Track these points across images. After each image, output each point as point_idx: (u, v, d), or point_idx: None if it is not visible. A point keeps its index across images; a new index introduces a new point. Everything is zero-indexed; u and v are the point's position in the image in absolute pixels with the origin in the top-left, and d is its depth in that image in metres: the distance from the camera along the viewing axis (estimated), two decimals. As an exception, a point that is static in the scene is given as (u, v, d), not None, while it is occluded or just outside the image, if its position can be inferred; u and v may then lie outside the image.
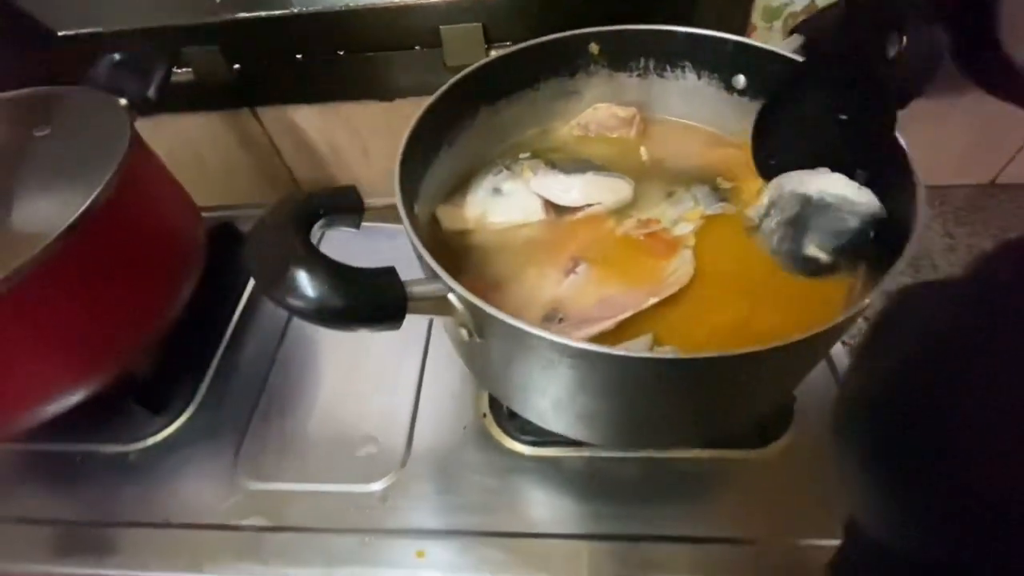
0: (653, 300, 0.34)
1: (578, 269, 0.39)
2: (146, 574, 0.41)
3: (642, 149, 0.46)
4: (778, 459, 0.42)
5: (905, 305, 0.18)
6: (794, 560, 0.39)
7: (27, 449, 0.48)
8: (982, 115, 0.60)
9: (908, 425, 0.15)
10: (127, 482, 0.45)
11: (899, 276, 0.26)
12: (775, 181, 0.38)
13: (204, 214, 0.55)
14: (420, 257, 0.29)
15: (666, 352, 0.26)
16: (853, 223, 0.33)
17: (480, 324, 0.28)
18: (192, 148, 0.72)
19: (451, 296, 0.28)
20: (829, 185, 0.35)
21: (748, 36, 0.55)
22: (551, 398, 0.31)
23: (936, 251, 0.61)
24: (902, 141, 0.32)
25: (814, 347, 0.26)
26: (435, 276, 0.28)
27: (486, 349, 0.31)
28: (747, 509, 0.41)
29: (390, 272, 0.27)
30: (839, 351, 0.50)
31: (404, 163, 0.34)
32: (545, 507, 0.42)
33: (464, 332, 0.29)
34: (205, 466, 0.46)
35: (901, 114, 0.33)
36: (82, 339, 0.41)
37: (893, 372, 0.16)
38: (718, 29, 0.43)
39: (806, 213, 0.35)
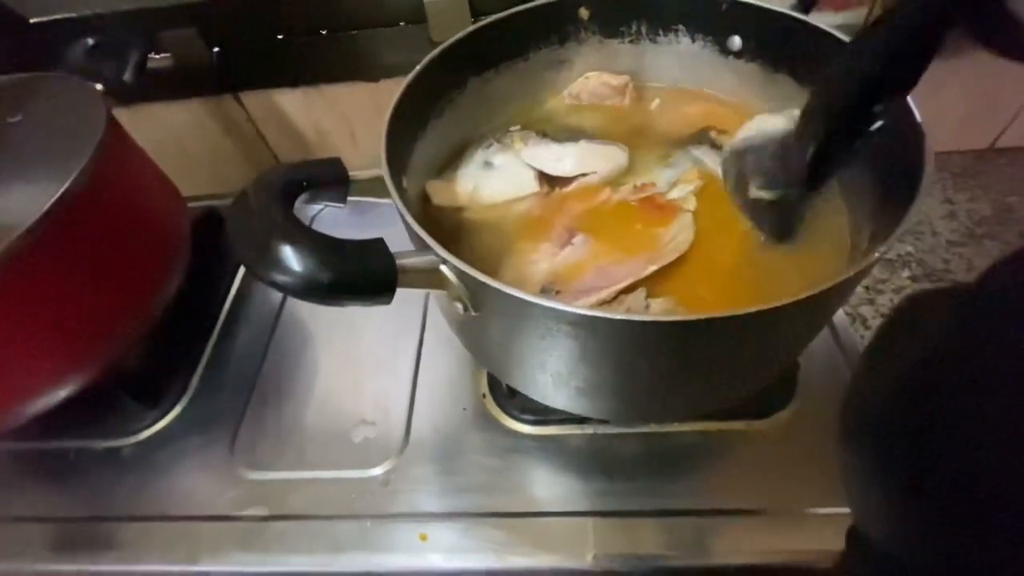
0: (652, 268, 0.33)
1: (574, 240, 0.38)
2: (144, 567, 0.40)
3: (637, 117, 0.45)
4: (782, 430, 0.42)
5: (912, 313, 0.18)
6: (801, 529, 0.38)
7: (21, 448, 0.47)
8: (981, 79, 0.59)
9: (913, 433, 0.15)
10: (122, 477, 0.44)
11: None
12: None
13: (191, 203, 0.54)
14: (409, 228, 0.28)
15: (665, 315, 0.25)
16: (776, 153, 0.32)
17: (475, 296, 0.27)
18: (176, 137, 0.70)
19: (444, 268, 0.27)
20: (764, 124, 0.34)
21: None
22: (550, 371, 0.30)
23: (936, 217, 0.60)
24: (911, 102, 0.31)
25: (818, 306, 0.25)
26: (426, 247, 0.27)
27: (482, 323, 0.30)
28: (752, 481, 0.40)
29: (379, 243, 0.26)
30: (843, 322, 0.49)
31: (390, 134, 0.33)
32: (548, 486, 0.42)
33: (459, 306, 0.28)
34: (201, 457, 0.45)
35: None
36: (64, 330, 0.40)
37: (899, 380, 0.16)
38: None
39: (746, 159, 0.34)
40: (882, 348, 0.18)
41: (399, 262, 0.26)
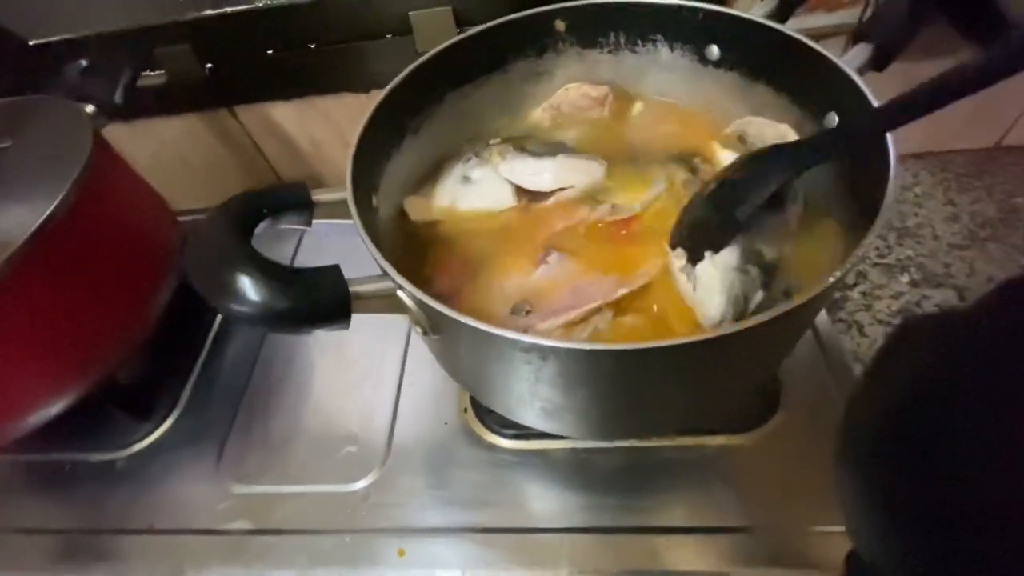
0: (623, 291, 0.33)
1: (549, 259, 0.37)
2: (130, 580, 0.41)
3: (617, 129, 0.44)
4: (765, 444, 0.41)
5: (909, 337, 0.18)
6: (788, 547, 0.37)
7: (18, 459, 0.48)
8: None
9: (907, 457, 0.15)
10: (114, 489, 0.46)
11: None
12: None
13: (190, 216, 0.55)
14: (370, 253, 0.28)
15: (617, 343, 0.24)
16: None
17: (432, 321, 0.27)
18: (175, 151, 0.72)
19: (400, 293, 0.27)
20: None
21: (729, 4, 0.53)
22: (515, 394, 0.30)
23: (938, 221, 0.59)
24: (865, 89, 0.30)
25: (779, 329, 0.24)
26: (385, 273, 0.27)
27: (446, 345, 0.30)
28: (739, 496, 0.40)
29: (333, 270, 0.26)
30: (830, 332, 0.48)
31: (359, 154, 0.33)
32: (530, 500, 0.42)
33: (419, 330, 0.28)
34: (189, 470, 0.46)
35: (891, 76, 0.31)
36: (56, 346, 0.41)
37: (894, 404, 0.16)
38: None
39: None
40: (878, 372, 0.18)
41: (354, 288, 0.26)
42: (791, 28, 0.36)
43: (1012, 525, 0.13)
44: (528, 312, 0.34)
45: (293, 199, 0.30)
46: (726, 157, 0.39)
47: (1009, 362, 0.14)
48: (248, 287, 0.25)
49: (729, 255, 0.32)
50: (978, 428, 0.13)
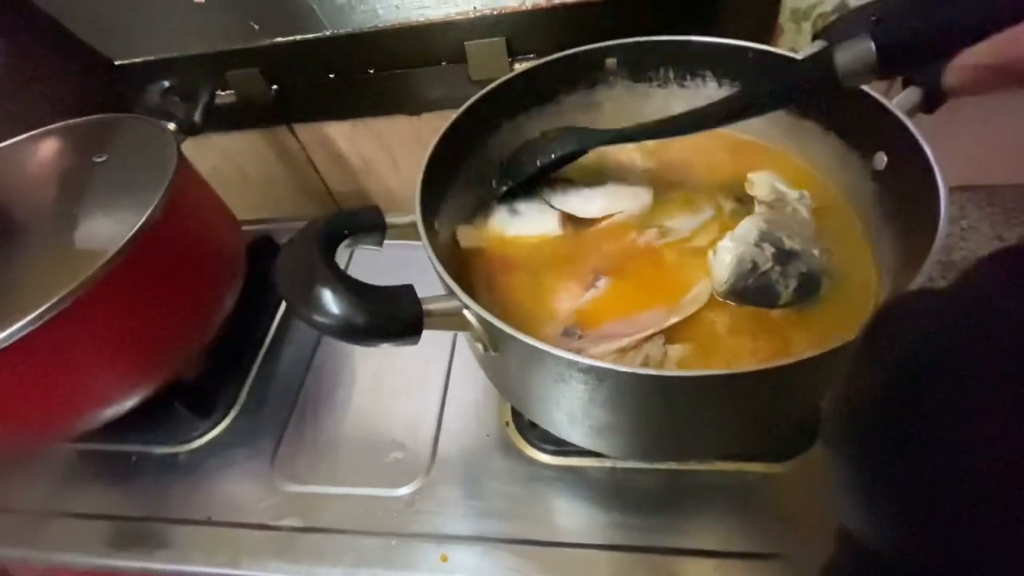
0: (673, 319, 0.34)
1: (598, 283, 0.39)
2: (190, 568, 0.44)
3: (663, 157, 0.46)
4: (802, 474, 0.42)
5: (894, 314, 0.18)
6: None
7: (88, 448, 0.52)
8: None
9: (898, 433, 0.15)
10: (175, 481, 0.49)
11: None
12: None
13: (245, 227, 0.59)
14: (438, 274, 0.30)
15: (675, 369, 0.26)
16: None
17: (494, 339, 0.29)
18: (235, 164, 0.76)
19: (466, 312, 0.29)
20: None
21: (775, 38, 0.55)
22: (565, 411, 0.32)
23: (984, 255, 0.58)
24: (915, 132, 0.31)
25: (834, 362, 0.25)
26: (452, 293, 0.29)
27: (502, 362, 0.32)
28: (771, 524, 0.40)
29: (408, 290, 0.28)
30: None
31: (426, 183, 0.35)
32: (566, 516, 0.43)
33: (480, 346, 0.30)
34: (245, 467, 0.48)
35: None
36: (138, 347, 0.45)
37: (882, 379, 0.16)
38: (744, 32, 0.42)
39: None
40: (866, 348, 0.18)
41: (426, 307, 0.28)
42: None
43: (1009, 500, 0.13)
44: (580, 337, 0.35)
45: (369, 222, 0.32)
46: (759, 185, 0.41)
47: (1001, 333, 0.13)
48: (331, 301, 0.27)
49: (747, 231, 0.36)
50: (980, 394, 0.13)
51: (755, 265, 0.35)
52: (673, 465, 0.43)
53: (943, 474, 0.14)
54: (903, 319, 0.17)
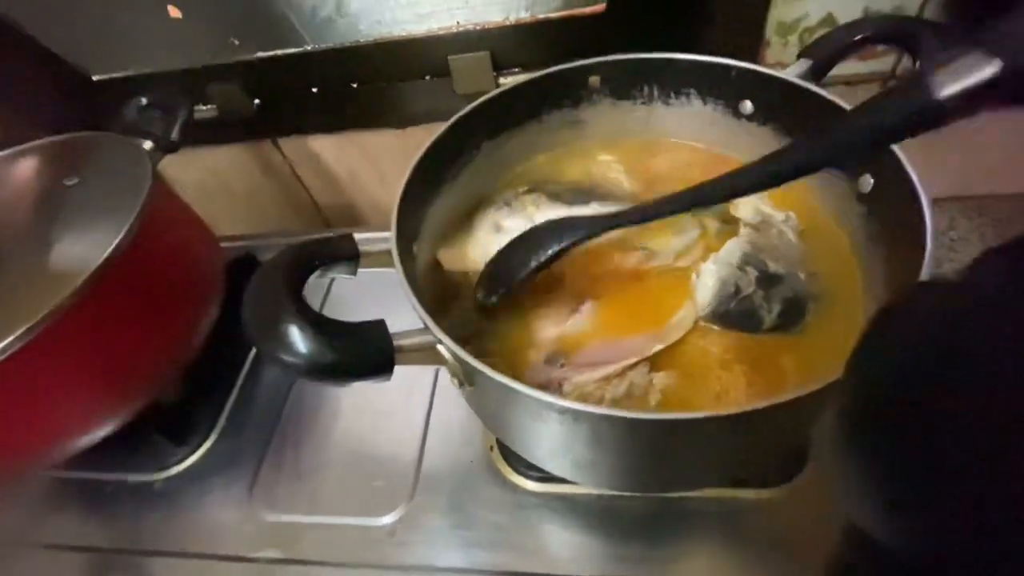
0: (658, 347, 0.33)
1: (582, 307, 0.38)
2: (163, 604, 0.42)
3: (648, 175, 0.45)
4: (792, 499, 0.41)
5: (898, 309, 0.18)
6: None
7: (61, 477, 0.50)
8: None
9: (905, 428, 0.15)
10: (150, 510, 0.47)
11: None
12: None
13: (226, 244, 0.58)
14: (412, 307, 0.29)
15: (657, 400, 0.25)
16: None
17: (469, 374, 0.28)
18: (219, 179, 0.75)
19: (440, 347, 0.28)
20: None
21: (762, 53, 0.54)
22: (547, 447, 0.31)
23: (974, 270, 0.58)
24: (898, 152, 0.31)
25: (823, 396, 0.24)
26: (427, 328, 0.28)
27: (479, 396, 0.31)
28: (765, 550, 0.39)
29: (379, 325, 0.27)
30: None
31: (402, 210, 0.34)
32: (553, 545, 0.42)
33: (456, 381, 0.29)
34: (223, 496, 0.47)
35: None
36: (113, 374, 0.43)
37: (890, 376, 0.16)
38: (731, 46, 0.41)
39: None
40: (871, 343, 0.18)
41: (398, 343, 0.27)
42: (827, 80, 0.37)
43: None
44: (563, 365, 0.34)
45: (342, 251, 0.31)
46: (744, 207, 0.40)
47: (1009, 327, 0.13)
48: (298, 339, 0.26)
49: (730, 254, 0.36)
50: (986, 382, 0.13)
51: (738, 289, 0.34)
52: (661, 493, 0.42)
53: (950, 467, 0.13)
54: (905, 316, 0.17)
